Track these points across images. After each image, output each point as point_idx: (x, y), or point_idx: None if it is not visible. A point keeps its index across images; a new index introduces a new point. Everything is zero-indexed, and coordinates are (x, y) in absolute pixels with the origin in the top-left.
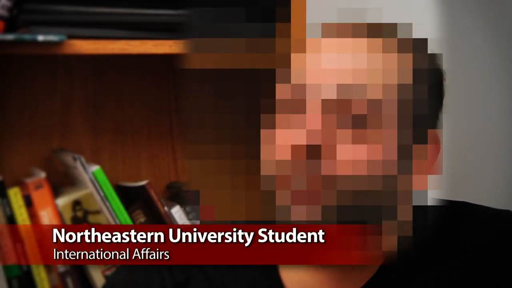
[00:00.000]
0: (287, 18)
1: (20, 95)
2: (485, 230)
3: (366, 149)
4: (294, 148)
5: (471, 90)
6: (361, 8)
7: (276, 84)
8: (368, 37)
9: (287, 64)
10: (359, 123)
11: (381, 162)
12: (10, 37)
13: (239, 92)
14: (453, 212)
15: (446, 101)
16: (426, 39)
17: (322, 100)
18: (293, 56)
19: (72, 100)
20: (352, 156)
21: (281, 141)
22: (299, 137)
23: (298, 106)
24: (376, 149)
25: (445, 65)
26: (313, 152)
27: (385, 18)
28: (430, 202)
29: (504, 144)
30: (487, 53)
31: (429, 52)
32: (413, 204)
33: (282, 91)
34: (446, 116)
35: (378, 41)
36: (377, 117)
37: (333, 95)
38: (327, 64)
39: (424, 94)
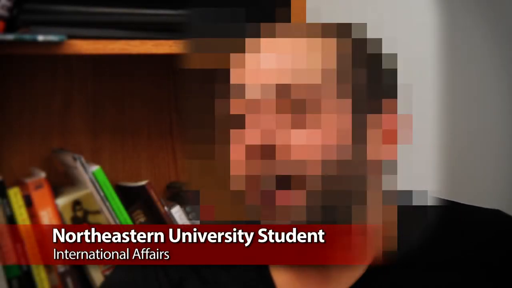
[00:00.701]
0: (287, 18)
1: (20, 95)
2: (474, 232)
3: (321, 136)
4: (249, 149)
5: (471, 90)
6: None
7: (231, 100)
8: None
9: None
10: (300, 109)
11: (336, 146)
12: (10, 37)
13: None
14: (444, 213)
15: (427, 92)
16: (354, 24)
17: (277, 100)
18: (247, 71)
19: (72, 100)
20: (307, 148)
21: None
22: (254, 138)
23: (252, 107)
24: (331, 132)
25: (445, 65)
26: (267, 151)
27: (385, 18)
28: (421, 202)
29: (504, 144)
30: (487, 53)
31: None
32: (408, 204)
33: (235, 106)
34: (446, 116)
35: (317, 29)
36: (317, 96)
37: (287, 94)
38: (280, 64)
39: (363, 64)
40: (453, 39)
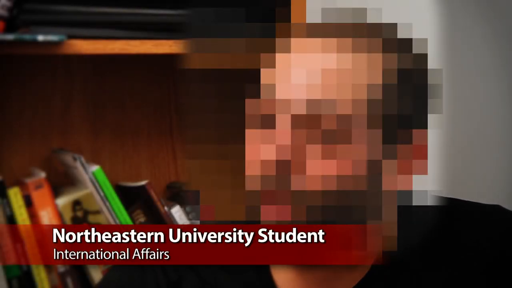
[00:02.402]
0: (287, 18)
1: (20, 95)
2: (475, 230)
3: (336, 162)
4: (264, 164)
5: (471, 90)
6: (347, 8)
7: (246, 100)
8: (339, 37)
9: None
10: (329, 136)
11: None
12: (10, 37)
13: (239, 92)
14: (445, 211)
15: (440, 101)
16: (410, 40)
17: (292, 115)
18: (263, 69)
19: (72, 100)
20: (322, 171)
21: (252, 157)
22: (269, 152)
23: (268, 121)
24: (346, 161)
25: (445, 65)
26: (282, 167)
27: (385, 18)
28: (421, 202)
29: (504, 144)
30: (487, 53)
31: (413, 52)
32: (407, 204)
33: (252, 106)
34: (446, 116)
35: (348, 41)
36: (347, 126)
37: (302, 111)
38: (296, 79)
39: (395, 94)
40: (453, 39)
